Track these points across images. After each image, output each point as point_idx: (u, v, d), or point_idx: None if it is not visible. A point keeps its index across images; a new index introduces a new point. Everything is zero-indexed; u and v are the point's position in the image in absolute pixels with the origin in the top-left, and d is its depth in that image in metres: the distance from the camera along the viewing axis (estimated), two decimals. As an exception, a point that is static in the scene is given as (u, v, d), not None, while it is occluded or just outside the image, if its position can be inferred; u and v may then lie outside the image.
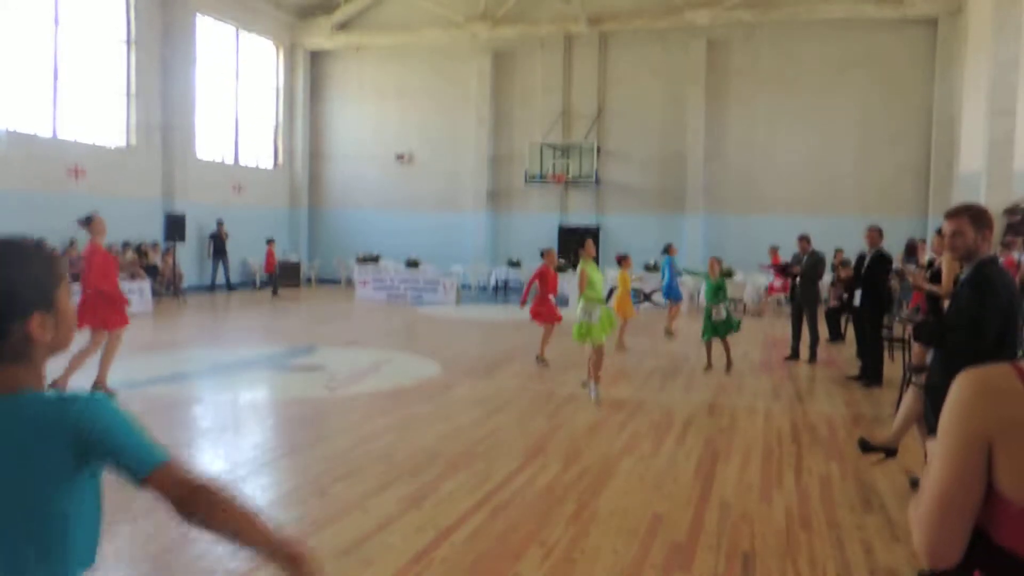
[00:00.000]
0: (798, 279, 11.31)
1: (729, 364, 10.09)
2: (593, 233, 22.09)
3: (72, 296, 1.59)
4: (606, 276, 19.67)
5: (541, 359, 10.29)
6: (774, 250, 15.91)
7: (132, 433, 1.44)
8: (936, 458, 1.33)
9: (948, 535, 1.30)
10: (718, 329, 9.97)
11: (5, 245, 1.44)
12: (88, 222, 7.86)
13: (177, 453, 1.91)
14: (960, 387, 1.33)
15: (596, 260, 8.78)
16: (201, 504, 1.44)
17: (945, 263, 8.30)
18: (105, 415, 1.42)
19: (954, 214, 3.74)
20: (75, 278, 8.73)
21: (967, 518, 1.30)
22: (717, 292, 10.01)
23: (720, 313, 9.95)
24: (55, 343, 1.47)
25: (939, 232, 8.62)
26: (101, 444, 1.40)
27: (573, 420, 7.29)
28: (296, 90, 24.89)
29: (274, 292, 20.26)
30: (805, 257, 11.25)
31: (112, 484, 1.51)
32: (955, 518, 1.29)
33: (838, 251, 14.91)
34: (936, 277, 8.48)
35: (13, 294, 1.39)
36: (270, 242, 21.04)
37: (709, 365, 10.14)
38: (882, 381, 9.21)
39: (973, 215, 3.70)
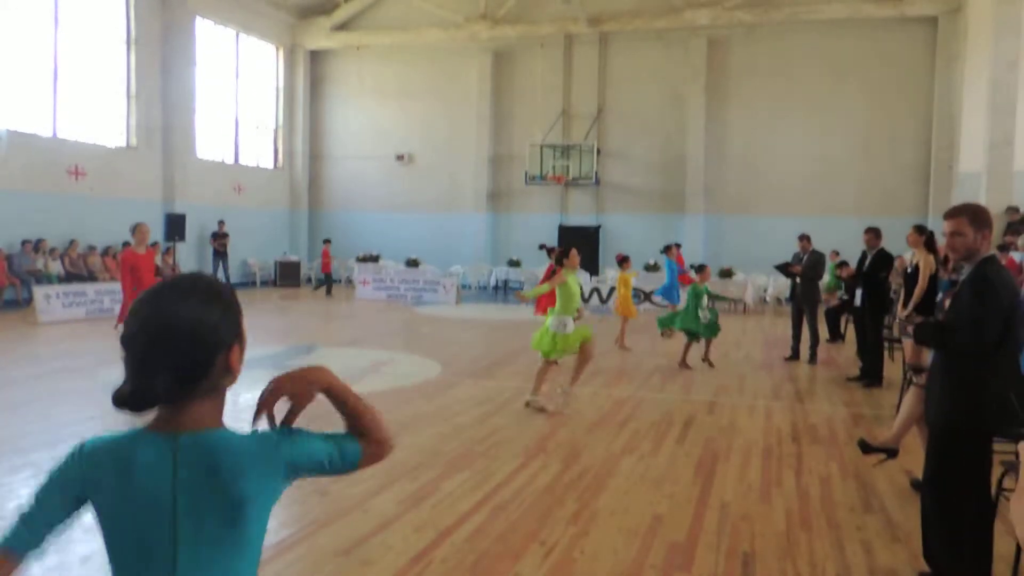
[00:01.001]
0: (798, 279, 11.30)
1: (684, 360, 10.36)
2: (593, 232, 22.14)
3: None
4: (606, 277, 19.79)
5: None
6: (676, 247, 14.37)
7: (325, 447, 1.50)
8: None
9: None
10: (686, 322, 10.20)
11: (205, 281, 1.46)
12: (133, 228, 8.70)
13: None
14: None
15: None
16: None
17: (921, 261, 8.33)
18: (304, 445, 1.48)
19: (953, 214, 3.74)
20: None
21: None
22: (699, 296, 10.32)
23: (706, 316, 10.25)
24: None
25: (916, 228, 8.68)
26: (311, 471, 1.51)
27: (573, 420, 7.28)
28: (296, 90, 24.89)
29: (328, 292, 20.30)
30: (805, 257, 11.24)
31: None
32: None
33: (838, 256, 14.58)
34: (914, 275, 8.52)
35: (218, 328, 1.42)
36: (326, 242, 21.02)
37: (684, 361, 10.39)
38: (882, 381, 9.22)
39: (973, 214, 3.69)
